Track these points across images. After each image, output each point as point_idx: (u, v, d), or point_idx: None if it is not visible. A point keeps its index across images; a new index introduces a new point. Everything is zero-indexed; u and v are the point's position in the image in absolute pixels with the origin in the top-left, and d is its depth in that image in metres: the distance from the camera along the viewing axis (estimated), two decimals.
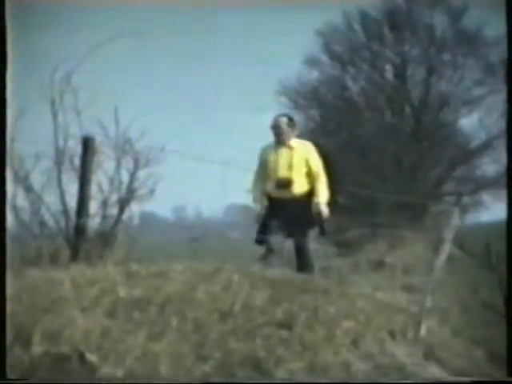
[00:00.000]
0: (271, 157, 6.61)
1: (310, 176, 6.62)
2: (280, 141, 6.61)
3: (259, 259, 6.13)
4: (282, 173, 6.54)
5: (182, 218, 42.60)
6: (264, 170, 6.64)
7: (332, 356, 3.65)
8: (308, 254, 6.39)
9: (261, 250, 6.26)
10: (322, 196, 6.56)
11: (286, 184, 6.53)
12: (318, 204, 6.48)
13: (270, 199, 6.62)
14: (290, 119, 6.74)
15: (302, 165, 6.61)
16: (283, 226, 6.39)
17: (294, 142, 6.68)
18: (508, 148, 4.54)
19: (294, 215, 6.37)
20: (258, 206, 6.66)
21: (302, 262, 6.31)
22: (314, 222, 6.48)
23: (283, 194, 6.49)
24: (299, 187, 6.54)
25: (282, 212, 6.42)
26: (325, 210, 6.51)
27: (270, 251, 6.27)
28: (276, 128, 6.62)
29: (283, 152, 6.60)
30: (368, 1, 19.45)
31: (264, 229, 6.50)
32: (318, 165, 6.69)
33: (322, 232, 6.65)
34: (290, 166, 6.56)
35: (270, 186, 6.60)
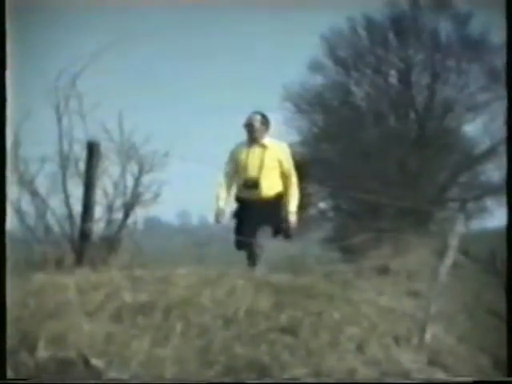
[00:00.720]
0: (242, 155, 6.33)
1: (282, 178, 6.36)
2: (253, 139, 6.34)
3: (248, 264, 5.96)
4: (251, 173, 6.26)
5: (186, 222, 42.60)
6: (234, 169, 6.36)
7: (337, 362, 3.64)
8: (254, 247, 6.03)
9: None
10: (292, 203, 6.34)
11: (253, 185, 6.25)
12: (287, 211, 6.27)
13: (239, 200, 6.38)
14: (264, 117, 6.46)
15: (275, 165, 6.34)
16: (250, 228, 6.12)
17: (268, 141, 6.41)
18: (508, 154, 4.52)
19: (261, 218, 6.13)
20: (218, 204, 6.30)
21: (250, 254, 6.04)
22: (280, 227, 6.25)
23: (251, 195, 6.23)
24: (268, 189, 6.27)
25: (250, 214, 6.18)
26: (293, 220, 6.31)
27: (252, 255, 6.02)
28: (249, 126, 6.37)
29: (255, 151, 6.33)
30: (373, 6, 19.47)
31: (240, 232, 6.23)
32: (290, 168, 6.41)
33: (288, 237, 6.38)
34: (261, 166, 6.28)
35: (238, 186, 6.35)
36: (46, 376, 3.11)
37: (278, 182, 6.35)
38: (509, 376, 3.98)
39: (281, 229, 6.28)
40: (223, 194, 6.38)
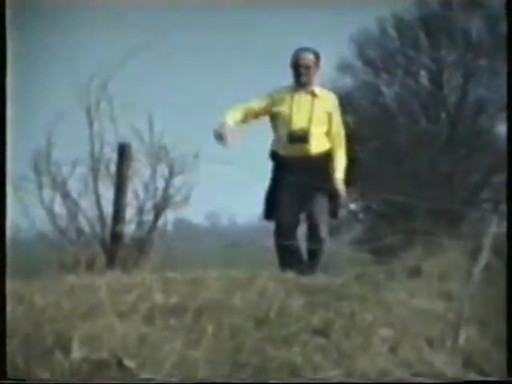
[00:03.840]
0: (285, 103, 5.19)
1: (329, 137, 5.31)
2: (301, 84, 5.22)
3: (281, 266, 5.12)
4: (299, 123, 5.16)
5: (216, 224, 42.76)
6: (272, 119, 5.27)
7: (369, 363, 3.61)
8: (321, 250, 5.20)
9: None
10: (340, 170, 5.30)
11: (301, 137, 5.12)
12: (335, 180, 5.25)
13: (279, 158, 5.27)
14: (317, 56, 5.33)
15: (324, 119, 5.24)
16: (294, 195, 5.09)
17: (317, 88, 5.34)
18: (508, 154, 4.43)
19: (310, 181, 5.08)
20: (225, 119, 5.10)
21: (312, 258, 5.18)
22: (330, 194, 5.21)
23: (297, 151, 5.15)
24: (318, 145, 5.22)
25: (294, 175, 5.07)
26: (342, 190, 5.27)
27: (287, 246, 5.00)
28: (299, 67, 5.21)
29: (303, 99, 5.22)
30: (403, 6, 19.35)
31: (272, 200, 5.22)
32: (339, 125, 5.37)
33: (334, 214, 5.37)
34: (310, 118, 5.17)
35: (279, 141, 5.26)
36: (81, 377, 3.13)
37: (325, 139, 5.32)
38: (509, 376, 3.91)
39: (331, 198, 5.28)
40: (237, 115, 5.18)
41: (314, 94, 5.27)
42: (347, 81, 20.81)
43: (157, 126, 5.56)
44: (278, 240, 5.25)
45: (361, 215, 20.81)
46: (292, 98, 5.23)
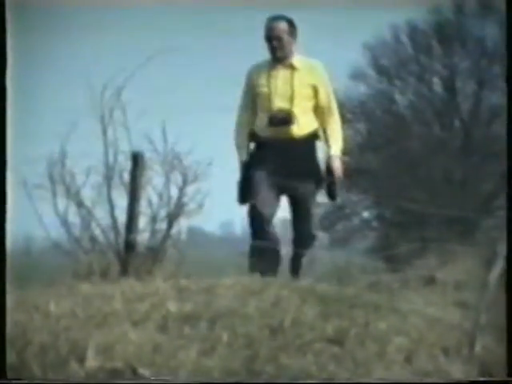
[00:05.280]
0: (263, 80, 4.71)
1: (318, 112, 4.81)
2: (278, 58, 4.68)
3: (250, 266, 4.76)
4: (279, 103, 4.69)
5: (229, 232, 42.74)
6: (253, 100, 4.80)
7: (384, 372, 3.59)
8: (309, 240, 4.73)
9: None
10: (335, 144, 4.82)
11: (284, 119, 4.66)
12: (329, 157, 4.80)
13: (259, 141, 4.83)
14: (292, 24, 4.74)
15: (308, 94, 4.74)
16: (276, 180, 4.67)
17: (298, 60, 4.78)
18: (508, 154, 4.38)
19: (293, 165, 4.66)
20: (243, 155, 4.83)
21: (299, 259, 4.77)
22: (320, 178, 4.77)
23: (279, 133, 4.70)
24: (302, 126, 4.73)
25: (276, 160, 4.68)
26: (338, 167, 4.79)
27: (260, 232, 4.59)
28: (272, 38, 4.65)
29: (281, 74, 4.71)
30: (416, 13, 19.33)
31: (247, 185, 4.78)
32: (329, 97, 4.84)
33: (332, 196, 4.87)
34: (292, 95, 4.68)
35: (259, 123, 4.80)
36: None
37: (311, 117, 4.82)
38: (509, 376, 3.87)
39: (321, 181, 4.81)
40: (244, 139, 4.81)
41: (293, 67, 4.74)
42: (361, 89, 20.82)
43: (170, 134, 5.57)
44: (253, 227, 4.90)
45: (374, 223, 20.76)
46: (269, 75, 4.73)
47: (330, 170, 4.82)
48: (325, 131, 4.87)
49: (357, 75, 20.61)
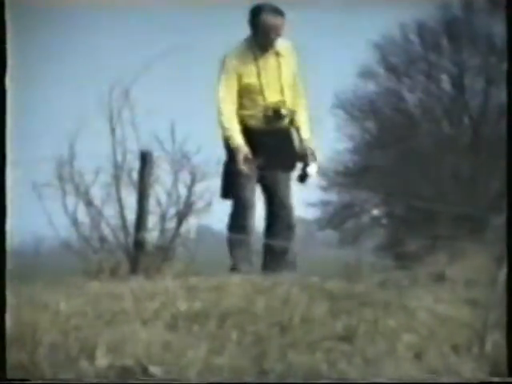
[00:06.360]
0: (250, 71, 4.47)
1: (294, 98, 4.65)
2: (268, 44, 4.44)
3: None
4: (272, 97, 4.50)
5: None
6: (239, 90, 4.54)
7: (394, 369, 3.58)
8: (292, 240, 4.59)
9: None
10: (305, 129, 4.68)
11: (279, 115, 4.51)
12: (301, 141, 4.66)
13: (248, 134, 4.65)
14: (283, 16, 4.50)
15: (292, 83, 4.58)
16: (258, 171, 4.58)
17: (280, 45, 4.56)
18: (508, 154, 4.36)
19: (274, 154, 4.54)
20: (236, 141, 4.59)
21: (282, 251, 4.67)
22: (295, 159, 4.65)
23: (272, 126, 4.58)
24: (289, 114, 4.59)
25: (263, 151, 4.56)
26: (311, 150, 4.65)
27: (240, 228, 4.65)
28: (268, 27, 4.39)
29: (269, 64, 4.47)
30: (425, 11, 19.28)
31: (231, 179, 4.72)
32: (298, 78, 4.68)
33: (302, 178, 4.72)
34: (281, 86, 4.50)
35: (248, 115, 4.63)
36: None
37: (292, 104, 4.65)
38: (509, 376, 3.86)
39: (295, 163, 4.70)
40: (234, 122, 4.57)
41: (278, 54, 4.58)
42: (370, 87, 20.80)
43: (179, 133, 5.58)
44: (233, 221, 4.98)
45: (384, 221, 20.74)
46: (257, 66, 4.51)
47: (302, 153, 4.71)
48: (297, 114, 4.73)
49: (366, 73, 20.61)
